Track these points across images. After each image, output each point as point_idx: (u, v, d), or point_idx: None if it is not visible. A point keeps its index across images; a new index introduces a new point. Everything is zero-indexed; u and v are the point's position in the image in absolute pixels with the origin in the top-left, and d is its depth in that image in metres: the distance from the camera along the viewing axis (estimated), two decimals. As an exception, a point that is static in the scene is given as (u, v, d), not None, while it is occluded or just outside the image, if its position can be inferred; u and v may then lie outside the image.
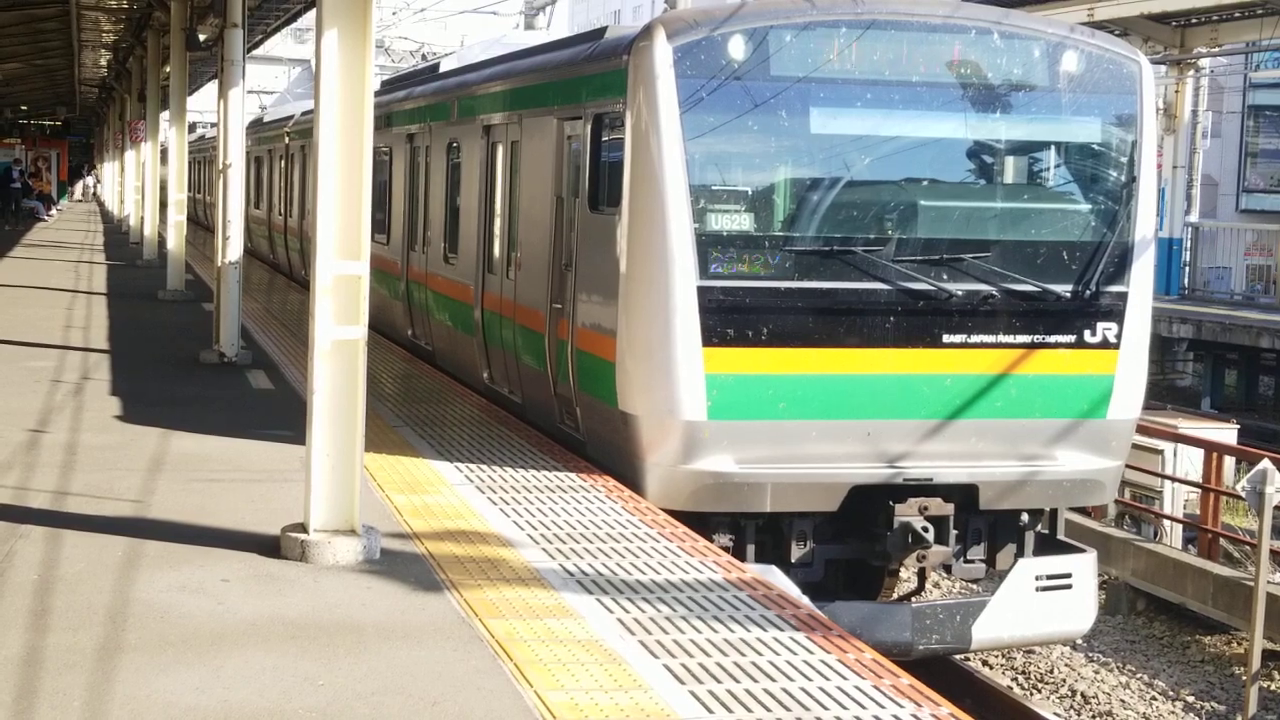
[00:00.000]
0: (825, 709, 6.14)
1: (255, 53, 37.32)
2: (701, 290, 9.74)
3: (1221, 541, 15.42)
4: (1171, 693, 12.85)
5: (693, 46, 9.88)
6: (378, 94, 19.40)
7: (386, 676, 6.35)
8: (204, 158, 42.75)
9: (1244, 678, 12.36)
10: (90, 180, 75.36)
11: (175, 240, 22.95)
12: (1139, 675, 13.26)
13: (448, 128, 15.43)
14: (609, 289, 10.30)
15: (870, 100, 10.17)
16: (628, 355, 10.05)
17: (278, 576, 7.83)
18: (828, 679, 6.51)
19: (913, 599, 11.64)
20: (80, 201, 70.45)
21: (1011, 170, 10.80)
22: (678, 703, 6.13)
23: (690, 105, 9.79)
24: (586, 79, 11.19)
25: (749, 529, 10.18)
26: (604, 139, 10.74)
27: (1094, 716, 12.40)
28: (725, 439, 9.82)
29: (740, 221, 9.94)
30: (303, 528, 8.22)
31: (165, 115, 31.62)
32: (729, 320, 9.80)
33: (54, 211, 52.61)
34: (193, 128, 46.20)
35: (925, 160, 10.43)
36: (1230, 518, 17.30)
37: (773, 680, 6.46)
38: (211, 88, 47.30)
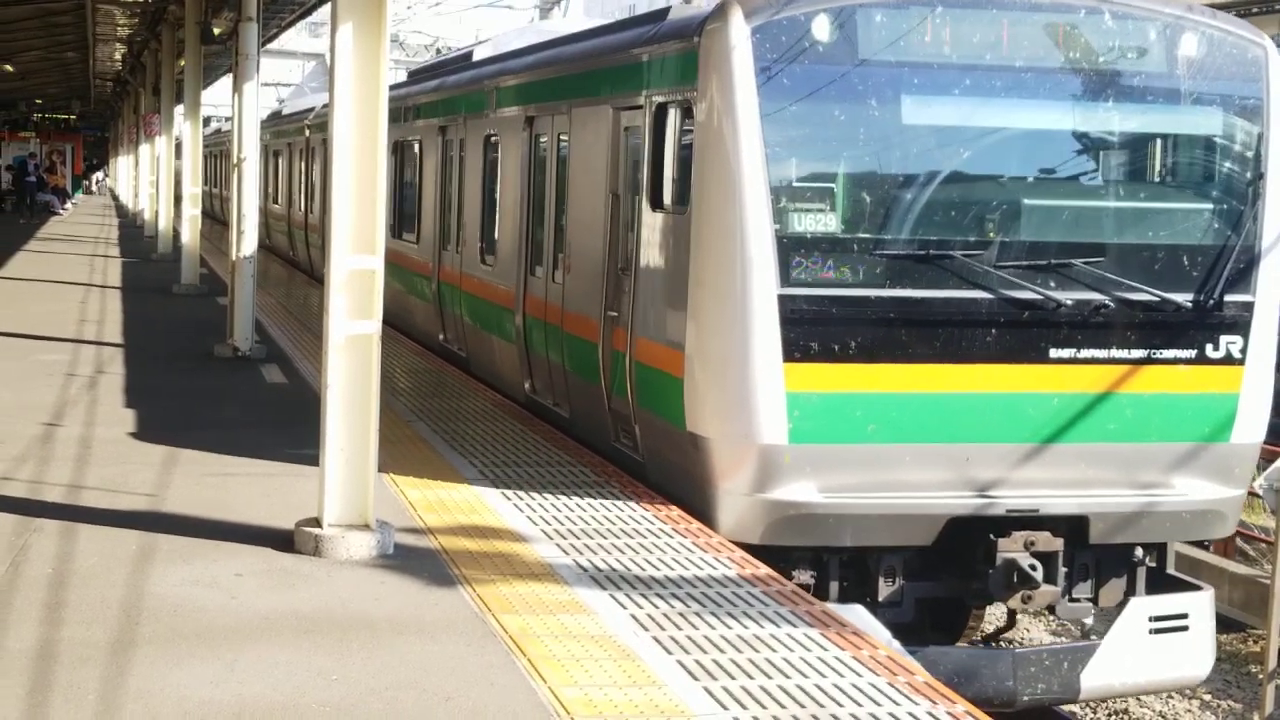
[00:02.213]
0: (840, 706, 6.11)
1: (270, 47, 37.38)
2: (783, 299, 8.81)
3: (1238, 539, 15.37)
4: (1188, 690, 12.80)
5: (772, 27, 8.90)
6: (404, 85, 19.17)
7: (400, 671, 6.34)
8: (219, 151, 42.77)
9: (1260, 676, 12.30)
10: (100, 175, 75.56)
11: (190, 234, 22.99)
12: (1154, 673, 13.20)
13: (485, 119, 14.56)
14: (675, 297, 9.43)
15: (969, 87, 9.21)
16: (698, 371, 9.14)
17: (291, 571, 7.83)
18: (842, 675, 6.49)
19: (1003, 639, 10.79)
20: (94, 195, 70.60)
21: (1125, 165, 9.73)
22: (692, 699, 6.11)
23: (769, 92, 8.83)
24: (648, 64, 10.27)
25: (833, 564, 9.24)
26: (669, 130, 9.74)
27: (1110, 714, 12.36)
28: (808, 465, 8.91)
29: (825, 222, 8.99)
30: (317, 522, 8.22)
31: (179, 109, 31.61)
32: (813, 333, 8.87)
33: (69, 205, 52.71)
34: (207, 121, 46.28)
35: (1030, 154, 9.49)
36: (1247, 515, 17.23)
37: (787, 677, 6.44)
38: (226, 81, 47.35)
